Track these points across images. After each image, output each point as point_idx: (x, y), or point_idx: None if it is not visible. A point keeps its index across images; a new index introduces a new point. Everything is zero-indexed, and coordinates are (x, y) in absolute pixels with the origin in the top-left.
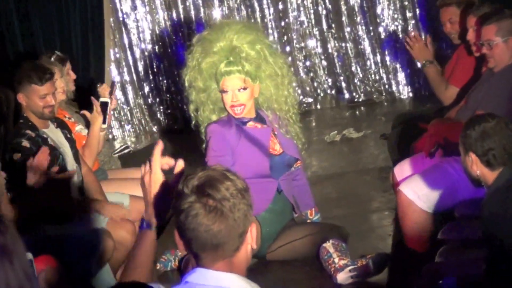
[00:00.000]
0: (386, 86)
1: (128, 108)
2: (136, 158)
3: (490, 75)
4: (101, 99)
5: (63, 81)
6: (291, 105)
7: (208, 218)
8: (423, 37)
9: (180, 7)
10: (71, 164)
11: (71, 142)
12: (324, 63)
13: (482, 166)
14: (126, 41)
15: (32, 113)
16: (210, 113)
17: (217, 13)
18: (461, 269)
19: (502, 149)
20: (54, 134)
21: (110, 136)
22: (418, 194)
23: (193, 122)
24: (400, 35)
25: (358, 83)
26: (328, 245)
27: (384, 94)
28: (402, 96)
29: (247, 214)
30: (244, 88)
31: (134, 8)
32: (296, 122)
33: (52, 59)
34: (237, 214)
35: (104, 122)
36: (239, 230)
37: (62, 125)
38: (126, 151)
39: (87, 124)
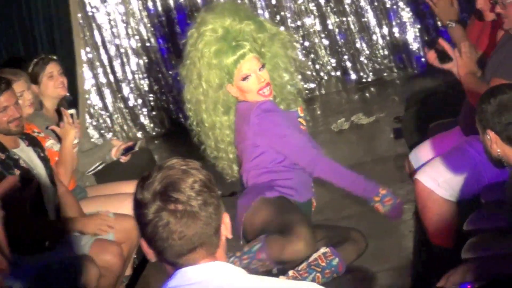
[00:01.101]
0: (397, 62)
1: (107, 113)
2: (113, 169)
3: (508, 39)
4: (68, 111)
5: (31, 93)
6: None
7: (180, 224)
8: None
9: None
10: (45, 187)
11: (45, 161)
12: (325, 42)
13: (503, 144)
14: (98, 38)
15: None
16: (222, 116)
17: None
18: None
19: None
20: (26, 154)
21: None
22: (438, 182)
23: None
24: (408, 2)
25: (365, 61)
26: (319, 252)
27: (395, 71)
28: (416, 72)
29: (218, 207)
30: (263, 66)
31: (103, 0)
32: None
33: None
34: (209, 209)
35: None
36: (214, 226)
37: (34, 142)
38: (100, 167)
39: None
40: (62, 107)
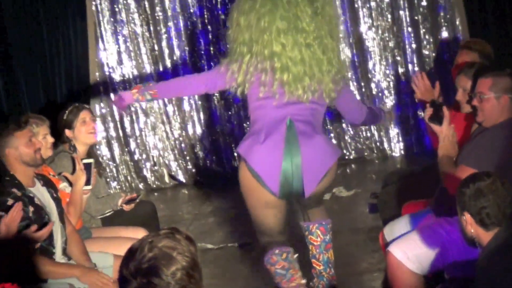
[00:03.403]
0: (378, 143)
1: (114, 164)
2: (119, 216)
3: (479, 131)
4: (84, 160)
5: (52, 138)
6: None
7: None
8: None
9: (168, 60)
10: (55, 224)
11: (57, 201)
12: None
13: (476, 226)
14: (112, 96)
15: (25, 164)
16: None
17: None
18: None
19: (496, 209)
20: (40, 193)
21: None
22: (408, 255)
23: None
24: (392, 91)
25: (349, 140)
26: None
27: (375, 151)
28: (393, 154)
29: None
30: None
31: (120, 62)
32: None
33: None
34: None
35: (88, 183)
36: None
37: (48, 184)
38: (108, 214)
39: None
40: (91, 154)
